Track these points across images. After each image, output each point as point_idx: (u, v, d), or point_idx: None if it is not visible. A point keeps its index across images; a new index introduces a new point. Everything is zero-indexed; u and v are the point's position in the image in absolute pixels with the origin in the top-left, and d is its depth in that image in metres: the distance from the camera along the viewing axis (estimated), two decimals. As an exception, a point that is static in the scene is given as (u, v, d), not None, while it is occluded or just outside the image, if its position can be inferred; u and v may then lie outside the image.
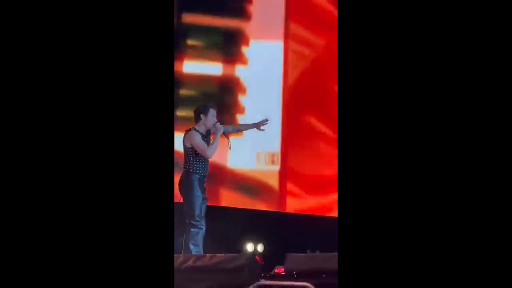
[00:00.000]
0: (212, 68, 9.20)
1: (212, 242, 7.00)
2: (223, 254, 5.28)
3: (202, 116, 6.37)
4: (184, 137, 6.34)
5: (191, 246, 6.15)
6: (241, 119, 9.17)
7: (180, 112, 8.98)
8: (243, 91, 9.28)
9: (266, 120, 6.70)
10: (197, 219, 6.20)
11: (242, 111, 9.22)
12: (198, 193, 6.24)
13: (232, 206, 8.89)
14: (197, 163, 6.28)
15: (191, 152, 6.29)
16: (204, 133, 6.37)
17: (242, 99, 9.26)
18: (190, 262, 5.22)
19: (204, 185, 6.36)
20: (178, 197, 6.32)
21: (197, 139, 6.28)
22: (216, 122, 6.39)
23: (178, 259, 5.36)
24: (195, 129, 6.33)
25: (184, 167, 6.33)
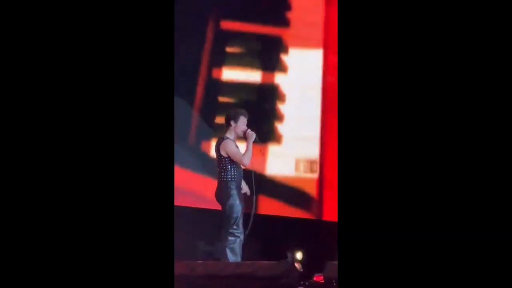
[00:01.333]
0: (251, 75, 9.20)
1: (251, 249, 6.98)
2: (262, 262, 5.27)
3: (232, 123, 6.38)
4: (218, 146, 6.33)
5: (230, 255, 6.15)
6: (280, 127, 9.15)
7: (219, 119, 8.99)
8: (282, 98, 9.27)
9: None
10: (235, 227, 6.21)
11: (281, 118, 9.20)
12: (237, 201, 6.26)
13: (271, 214, 8.86)
14: (234, 171, 6.30)
15: (227, 161, 6.29)
16: (234, 140, 6.38)
17: (281, 107, 9.24)
18: (230, 269, 5.22)
19: (241, 192, 6.37)
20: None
21: (233, 148, 6.30)
22: (247, 129, 6.40)
23: (218, 266, 5.36)
24: (227, 138, 6.34)
25: (220, 177, 6.33)
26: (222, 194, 6.29)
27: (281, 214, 8.97)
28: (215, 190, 6.38)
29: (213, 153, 8.54)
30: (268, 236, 8.37)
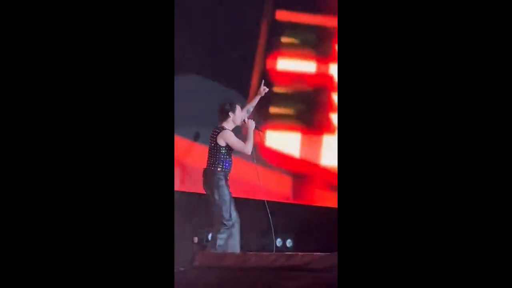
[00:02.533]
0: (306, 65, 9.18)
1: (304, 241, 6.99)
2: (314, 253, 5.27)
3: (230, 114, 6.43)
4: (216, 136, 6.36)
5: (221, 243, 6.25)
6: (334, 117, 9.12)
7: (273, 110, 8.99)
8: (337, 89, 9.24)
9: (262, 85, 6.77)
10: (228, 218, 6.28)
11: (335, 109, 9.17)
12: (227, 191, 6.34)
13: (323, 205, 8.84)
14: (226, 161, 6.37)
15: (223, 151, 6.34)
16: (232, 130, 6.44)
17: (335, 97, 9.21)
18: (282, 261, 5.23)
19: (228, 182, 6.40)
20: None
21: (234, 138, 6.38)
22: (245, 117, 6.46)
23: (270, 257, 5.37)
24: (226, 128, 6.38)
25: (210, 166, 6.37)
26: (211, 183, 6.34)
27: (334, 205, 8.94)
28: (203, 179, 6.42)
29: (268, 144, 8.57)
30: (320, 227, 8.36)
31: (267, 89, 6.83)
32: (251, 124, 6.49)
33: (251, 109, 6.86)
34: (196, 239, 6.56)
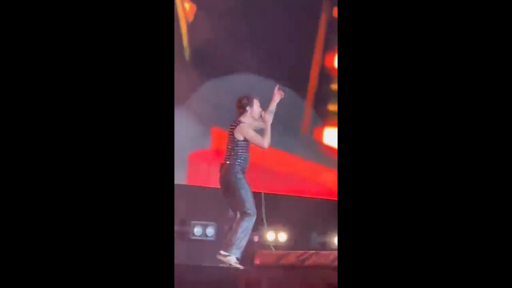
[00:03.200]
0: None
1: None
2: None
3: (248, 108, 6.42)
4: (234, 130, 6.37)
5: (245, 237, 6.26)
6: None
7: (332, 107, 8.99)
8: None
9: (276, 87, 6.67)
10: (250, 208, 6.28)
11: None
12: (246, 184, 6.31)
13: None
14: (244, 155, 6.36)
15: (242, 145, 6.34)
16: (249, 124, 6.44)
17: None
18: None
19: (245, 175, 6.43)
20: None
21: (251, 131, 6.36)
22: (262, 111, 6.44)
23: (329, 256, 5.41)
24: (244, 122, 6.39)
25: (230, 160, 6.36)
26: (230, 177, 6.34)
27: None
28: (220, 173, 6.41)
29: (326, 141, 8.55)
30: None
31: (283, 94, 6.79)
32: (269, 119, 6.51)
33: (274, 110, 6.83)
34: (256, 238, 6.57)
